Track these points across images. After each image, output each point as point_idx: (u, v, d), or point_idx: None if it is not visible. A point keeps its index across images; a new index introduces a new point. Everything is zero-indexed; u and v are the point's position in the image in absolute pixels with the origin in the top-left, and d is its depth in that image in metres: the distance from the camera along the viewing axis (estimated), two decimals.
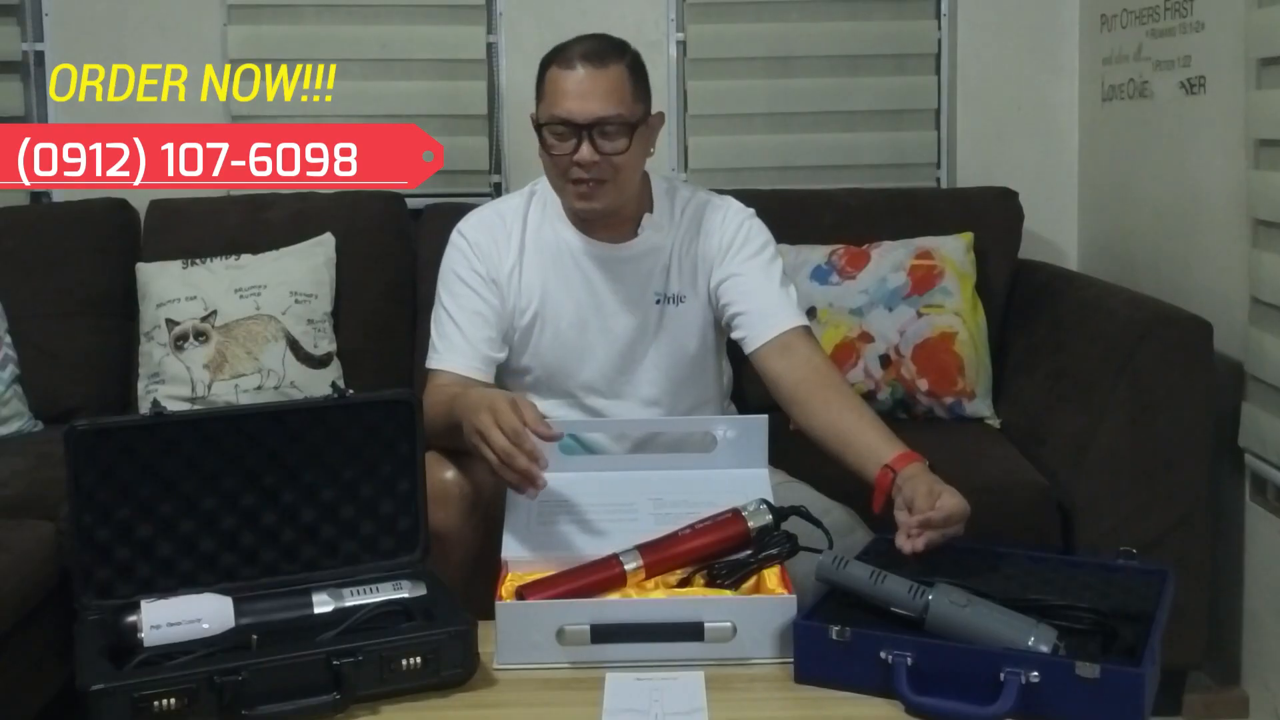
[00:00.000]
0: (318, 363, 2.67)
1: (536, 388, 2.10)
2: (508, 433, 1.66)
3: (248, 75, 3.03)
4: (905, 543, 1.65)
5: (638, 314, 2.08)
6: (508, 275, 2.06)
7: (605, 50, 1.97)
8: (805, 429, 1.96)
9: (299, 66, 3.04)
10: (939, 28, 3.15)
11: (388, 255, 2.84)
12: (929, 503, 1.67)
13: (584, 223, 2.06)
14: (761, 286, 2.05)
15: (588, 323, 2.07)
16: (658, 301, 2.08)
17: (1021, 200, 2.89)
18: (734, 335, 2.08)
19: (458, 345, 2.02)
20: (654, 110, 2.03)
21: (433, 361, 2.04)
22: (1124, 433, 2.26)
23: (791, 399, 1.97)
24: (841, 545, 1.66)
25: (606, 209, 1.99)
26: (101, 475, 1.55)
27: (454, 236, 2.10)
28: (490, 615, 1.53)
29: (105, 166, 2.98)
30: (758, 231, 2.10)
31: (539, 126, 1.98)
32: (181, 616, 1.48)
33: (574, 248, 2.07)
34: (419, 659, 1.46)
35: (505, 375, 2.11)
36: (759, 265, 2.06)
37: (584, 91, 1.92)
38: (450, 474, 1.87)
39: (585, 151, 1.92)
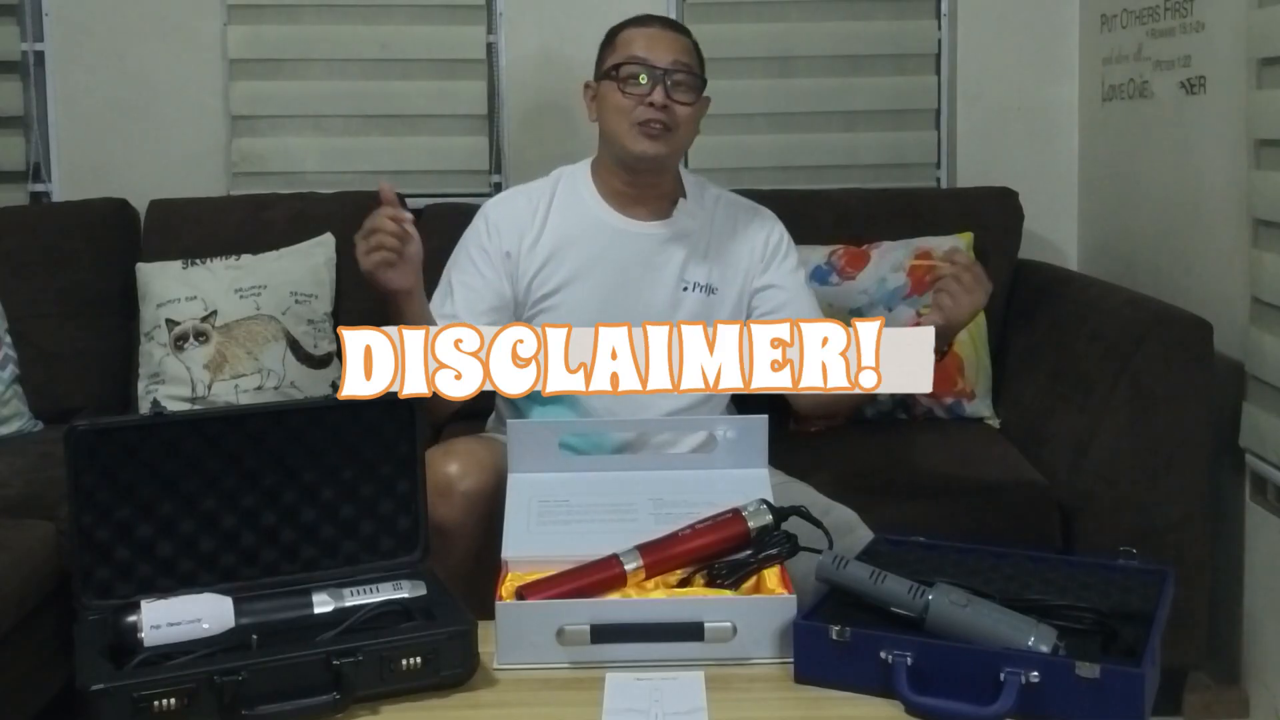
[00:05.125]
0: (318, 363, 2.67)
1: None
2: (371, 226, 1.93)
3: (248, 75, 3.04)
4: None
5: (664, 297, 2.11)
6: (528, 249, 2.11)
7: (676, 22, 2.21)
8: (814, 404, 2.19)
9: (299, 66, 3.05)
10: (939, 28, 3.16)
11: None
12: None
13: (620, 199, 2.14)
14: (804, 304, 2.19)
15: (610, 299, 2.09)
16: (685, 289, 2.13)
17: (1021, 200, 2.89)
18: None
19: (447, 315, 2.08)
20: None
21: None
22: (1124, 433, 2.27)
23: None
24: (841, 545, 1.66)
25: (666, 157, 2.09)
26: (101, 475, 1.55)
27: (478, 214, 2.20)
28: (490, 615, 1.53)
29: (105, 166, 3.00)
30: (793, 246, 2.24)
31: (614, 69, 2.08)
32: (181, 616, 1.48)
33: (606, 224, 2.14)
34: (419, 659, 1.46)
35: None
36: (799, 281, 2.22)
37: (663, 42, 2.10)
38: (453, 468, 1.89)
39: (658, 93, 2.06)
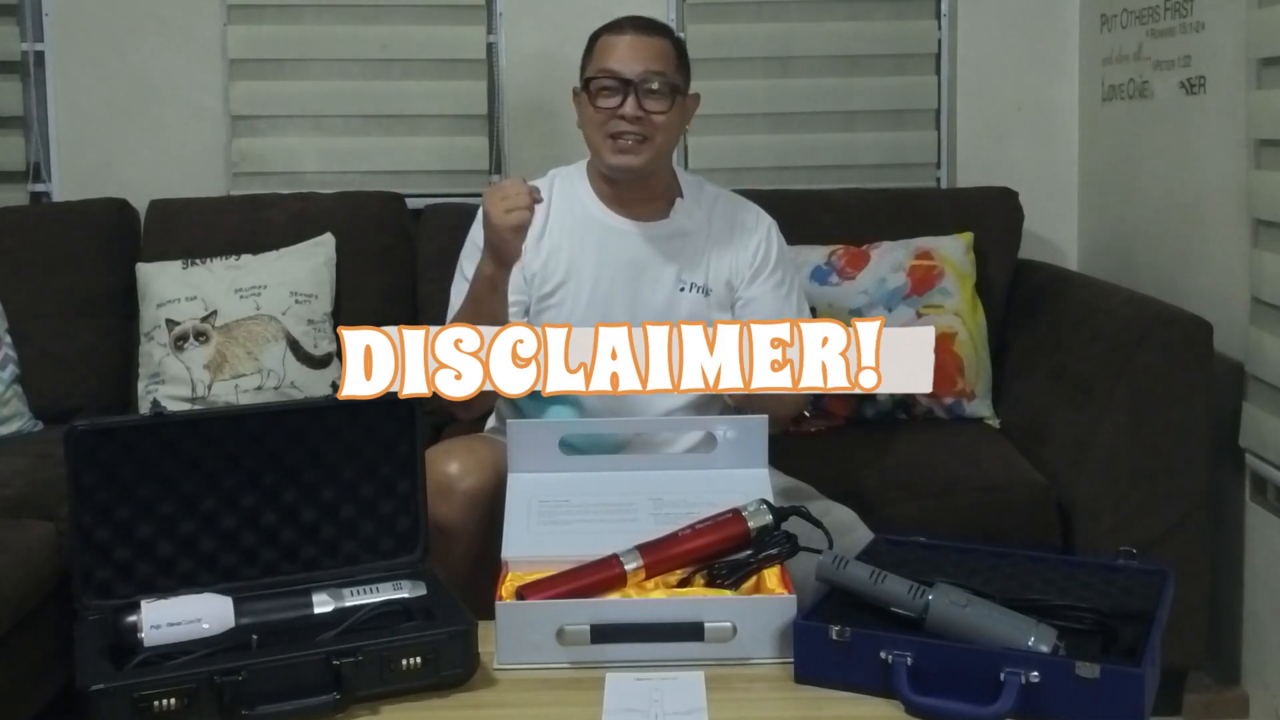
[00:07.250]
0: (318, 363, 2.67)
1: None
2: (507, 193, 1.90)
3: (248, 75, 3.04)
4: None
5: (661, 297, 2.11)
6: (532, 245, 2.10)
7: (653, 23, 2.13)
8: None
9: (299, 66, 3.05)
10: (939, 28, 3.15)
11: (388, 255, 2.84)
12: None
13: (615, 200, 2.13)
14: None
15: (607, 300, 2.10)
16: (682, 289, 2.12)
17: (1021, 200, 2.89)
18: None
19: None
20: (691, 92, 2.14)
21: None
22: (1124, 433, 2.26)
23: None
24: (841, 545, 1.66)
25: (643, 167, 2.07)
26: (101, 475, 1.55)
27: (480, 210, 2.16)
28: (490, 615, 1.53)
29: (105, 166, 2.99)
30: (783, 256, 2.19)
31: (586, 83, 2.08)
32: (181, 616, 1.48)
33: (603, 224, 2.13)
34: (419, 659, 1.46)
35: None
36: (780, 296, 2.16)
37: (633, 51, 2.06)
38: (454, 468, 1.89)
39: (630, 106, 2.03)
